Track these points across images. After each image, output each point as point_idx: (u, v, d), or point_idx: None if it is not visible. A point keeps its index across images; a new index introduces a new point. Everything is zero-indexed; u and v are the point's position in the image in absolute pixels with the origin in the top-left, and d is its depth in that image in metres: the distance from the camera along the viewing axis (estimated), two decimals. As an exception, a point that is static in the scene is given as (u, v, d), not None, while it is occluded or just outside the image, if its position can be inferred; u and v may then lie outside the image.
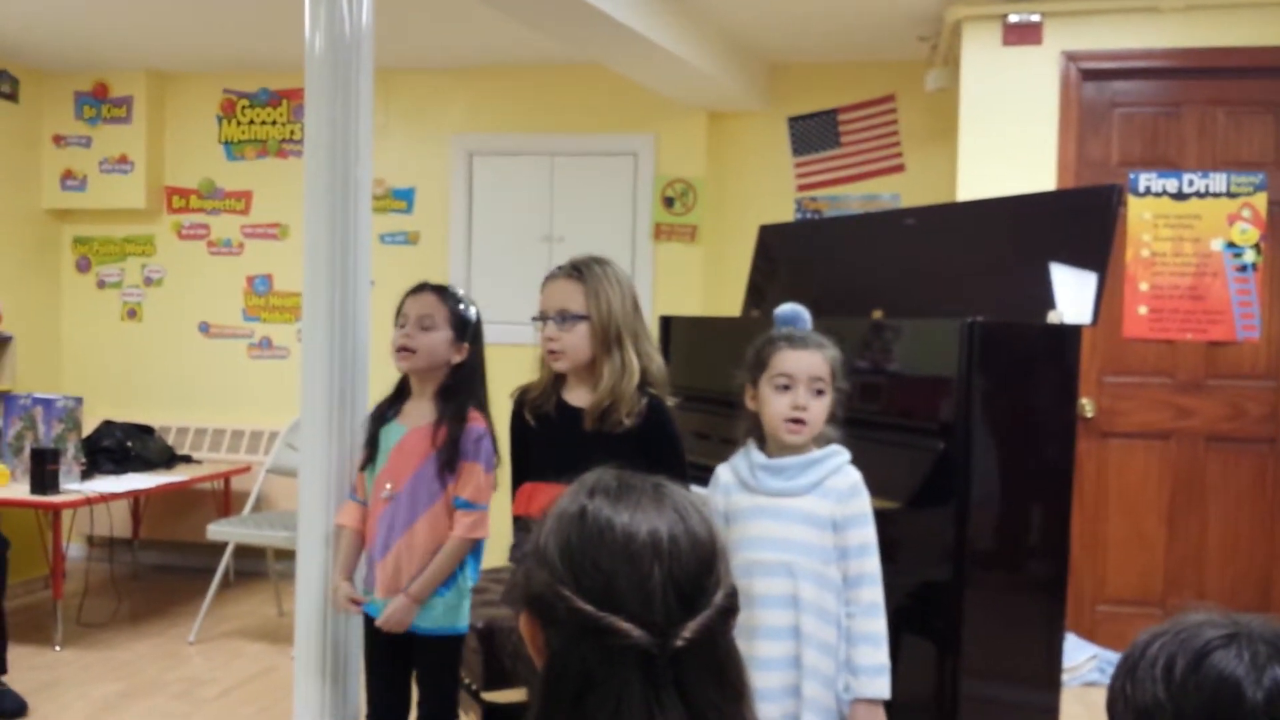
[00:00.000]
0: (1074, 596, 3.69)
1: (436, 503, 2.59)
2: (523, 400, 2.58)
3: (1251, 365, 4.35)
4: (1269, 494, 4.36)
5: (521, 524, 2.51)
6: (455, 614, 2.62)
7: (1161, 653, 1.09)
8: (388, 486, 2.61)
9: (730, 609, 1.07)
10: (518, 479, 2.59)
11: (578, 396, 2.50)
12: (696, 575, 1.05)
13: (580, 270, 2.49)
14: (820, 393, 2.27)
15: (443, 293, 2.65)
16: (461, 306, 2.64)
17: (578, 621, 1.02)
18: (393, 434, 2.65)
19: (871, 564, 2.25)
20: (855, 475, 2.29)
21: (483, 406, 2.65)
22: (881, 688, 2.22)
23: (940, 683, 2.70)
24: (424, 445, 2.59)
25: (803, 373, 2.26)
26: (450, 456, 2.56)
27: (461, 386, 2.62)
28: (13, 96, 5.78)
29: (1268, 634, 1.08)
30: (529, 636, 1.09)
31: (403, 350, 2.61)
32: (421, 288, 2.67)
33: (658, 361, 2.52)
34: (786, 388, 2.26)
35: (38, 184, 5.97)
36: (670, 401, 2.51)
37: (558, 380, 2.53)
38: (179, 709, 3.95)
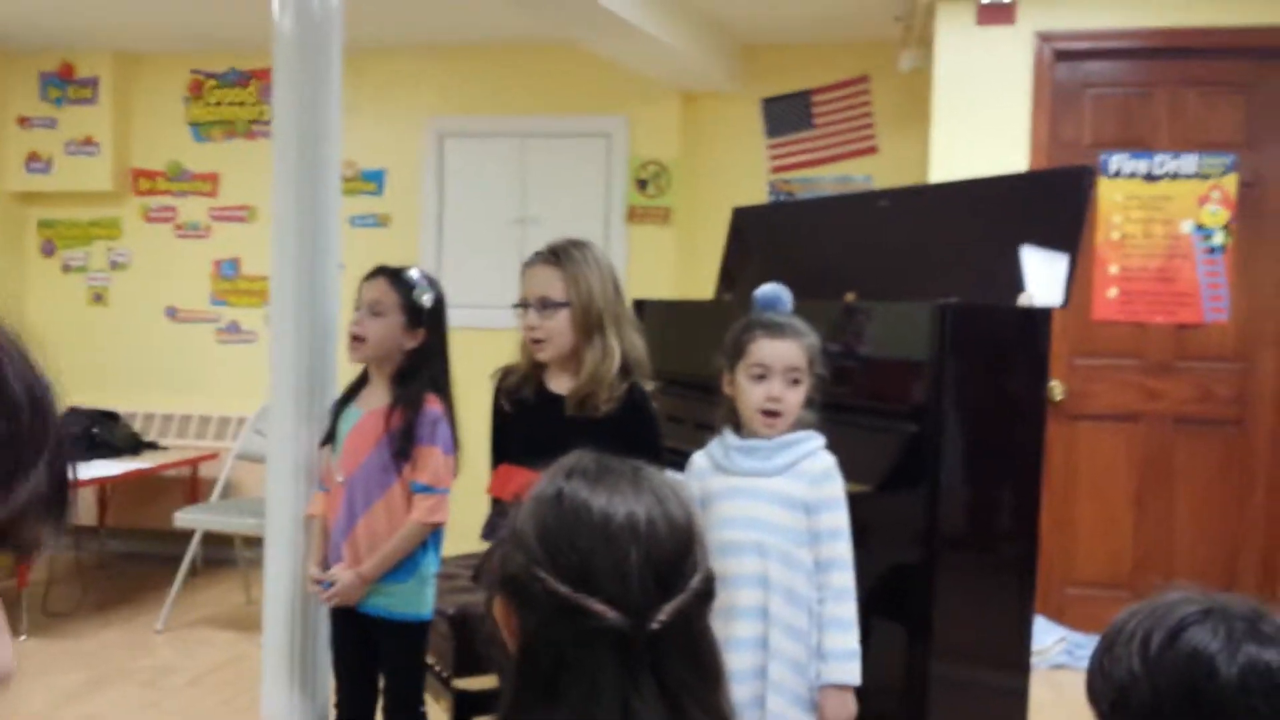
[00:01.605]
0: (1043, 579, 3.71)
1: (392, 487, 2.56)
2: (500, 383, 2.56)
3: (1220, 347, 4.38)
4: (1236, 476, 4.40)
5: (498, 505, 2.50)
6: (418, 601, 2.61)
7: (1138, 628, 1.11)
8: (342, 471, 2.59)
9: (707, 593, 1.07)
10: (495, 460, 2.57)
11: (559, 383, 2.47)
12: (674, 559, 1.05)
13: (559, 255, 2.45)
14: (796, 382, 2.25)
15: (395, 278, 2.61)
16: (415, 292, 2.60)
17: (553, 603, 1.02)
18: (349, 419, 2.63)
19: (842, 549, 2.24)
20: (829, 460, 2.27)
21: (441, 390, 2.62)
22: (850, 673, 2.21)
23: (910, 665, 2.71)
24: (377, 429, 2.57)
25: (779, 363, 2.24)
26: (404, 443, 2.54)
27: (417, 372, 2.59)
28: (-26, 77, 5.69)
29: (1243, 611, 1.10)
30: (503, 620, 1.09)
31: (353, 340, 2.60)
32: (375, 273, 2.64)
33: (639, 346, 2.49)
34: (762, 377, 2.24)
35: (2, 167, 5.88)
36: (649, 386, 2.50)
37: (538, 365, 2.51)
38: (146, 697, 3.91)
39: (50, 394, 0.52)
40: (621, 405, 2.40)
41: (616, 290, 2.48)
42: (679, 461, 2.40)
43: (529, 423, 2.48)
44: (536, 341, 2.44)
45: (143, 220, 5.93)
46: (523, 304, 2.46)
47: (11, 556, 0.51)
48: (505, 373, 2.56)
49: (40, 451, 0.50)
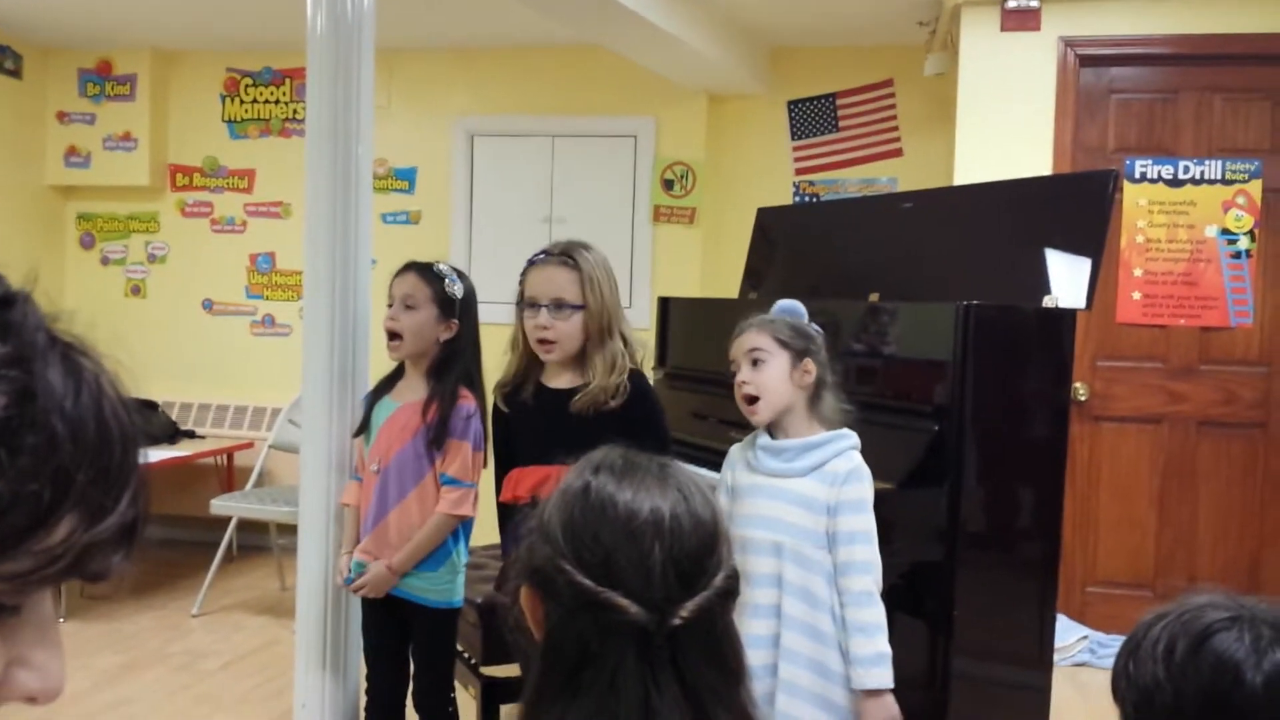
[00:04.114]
0: (1065, 578, 3.74)
1: (425, 478, 2.61)
2: (497, 388, 2.57)
3: (1244, 351, 4.39)
4: (1259, 479, 4.41)
5: (507, 511, 2.51)
6: (450, 589, 2.66)
7: (1164, 633, 1.10)
8: (377, 461, 2.64)
9: (730, 590, 1.08)
10: (502, 469, 2.56)
11: (559, 379, 2.48)
12: (697, 555, 1.07)
13: (573, 258, 2.45)
14: (758, 362, 2.27)
15: (426, 271, 2.66)
16: (446, 283, 2.65)
17: (577, 596, 1.04)
18: (384, 410, 2.68)
19: (862, 552, 2.20)
20: (856, 461, 2.25)
21: (473, 384, 2.66)
22: (879, 678, 2.17)
23: (932, 662, 2.74)
24: (413, 421, 2.61)
25: (739, 353, 2.30)
26: (439, 434, 2.58)
27: (452, 363, 2.63)
28: (17, 73, 5.79)
29: (1270, 617, 1.08)
30: (529, 610, 1.11)
31: (391, 337, 2.64)
32: (405, 268, 2.68)
33: (635, 336, 2.52)
34: (735, 374, 2.31)
35: (41, 161, 5.99)
36: (648, 370, 2.51)
37: (532, 365, 2.51)
38: (181, 681, 4.00)
39: (139, 433, 0.58)
40: (626, 397, 2.41)
41: (616, 289, 2.51)
42: (699, 456, 2.44)
43: (533, 423, 2.48)
44: (545, 342, 2.43)
45: (179, 215, 6.03)
46: (533, 304, 2.44)
47: (82, 582, 0.56)
48: (500, 383, 2.57)
49: (125, 488, 0.56)
